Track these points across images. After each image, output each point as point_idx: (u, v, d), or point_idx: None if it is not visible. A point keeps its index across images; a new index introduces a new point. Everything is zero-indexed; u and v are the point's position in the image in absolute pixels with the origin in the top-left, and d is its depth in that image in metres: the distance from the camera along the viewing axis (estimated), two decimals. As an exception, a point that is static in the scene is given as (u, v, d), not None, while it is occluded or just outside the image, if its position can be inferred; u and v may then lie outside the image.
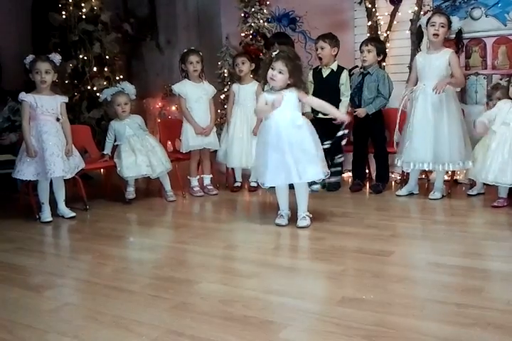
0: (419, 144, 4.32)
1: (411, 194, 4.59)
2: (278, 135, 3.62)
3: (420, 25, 4.54)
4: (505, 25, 4.92)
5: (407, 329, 2.12)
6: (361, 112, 4.72)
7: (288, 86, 3.65)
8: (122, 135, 4.74)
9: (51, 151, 4.09)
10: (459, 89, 4.61)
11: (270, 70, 3.61)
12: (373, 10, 5.40)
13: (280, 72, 3.59)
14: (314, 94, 4.89)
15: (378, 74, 4.74)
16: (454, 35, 4.46)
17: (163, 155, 4.77)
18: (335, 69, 4.95)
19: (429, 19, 4.34)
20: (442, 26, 4.27)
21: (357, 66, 5.15)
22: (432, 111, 4.27)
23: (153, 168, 4.65)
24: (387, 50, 5.11)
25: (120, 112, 4.78)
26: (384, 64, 5.20)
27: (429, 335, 2.06)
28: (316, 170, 3.62)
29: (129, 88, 4.88)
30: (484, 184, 4.40)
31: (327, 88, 4.88)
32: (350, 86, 4.92)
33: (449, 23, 4.31)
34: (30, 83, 4.28)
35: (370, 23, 5.43)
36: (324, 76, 4.96)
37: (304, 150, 3.60)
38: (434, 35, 4.28)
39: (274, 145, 3.62)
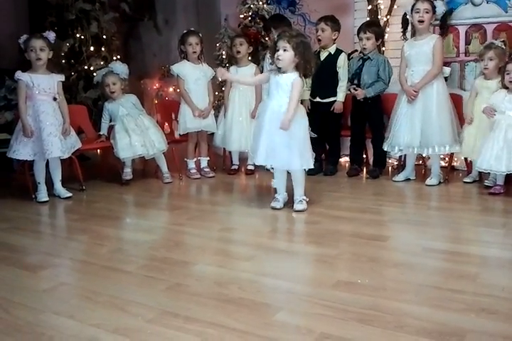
0: (406, 128, 4.36)
1: (407, 179, 4.60)
2: (263, 117, 3.66)
3: (406, 13, 4.52)
4: (506, 12, 4.89)
5: (402, 313, 2.13)
6: (360, 93, 4.70)
7: (296, 68, 3.62)
8: (116, 115, 4.71)
9: (48, 131, 4.07)
10: (447, 74, 4.61)
11: (277, 52, 3.59)
12: (374, -7, 5.35)
13: (285, 50, 3.56)
14: (312, 78, 4.88)
15: (378, 59, 4.70)
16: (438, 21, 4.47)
17: (157, 136, 4.72)
18: (332, 53, 4.90)
19: (413, 6, 4.34)
20: (427, 12, 4.28)
21: (356, 50, 5.11)
22: (421, 96, 4.30)
23: (147, 148, 4.64)
24: (386, 35, 5.09)
25: (109, 93, 4.74)
26: (383, 49, 5.17)
27: (423, 320, 2.07)
28: (291, 159, 3.61)
29: (119, 67, 4.81)
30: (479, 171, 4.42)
31: (325, 71, 4.84)
32: (349, 70, 4.89)
33: (434, 8, 4.31)
34: (26, 62, 4.23)
35: (370, 7, 5.38)
36: (322, 59, 4.92)
37: (284, 138, 3.57)
38: (419, 21, 4.29)
39: (262, 127, 3.65)
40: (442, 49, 4.40)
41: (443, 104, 4.31)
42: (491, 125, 4.05)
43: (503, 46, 4.29)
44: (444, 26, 4.59)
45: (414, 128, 4.33)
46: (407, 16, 4.46)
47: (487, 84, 4.27)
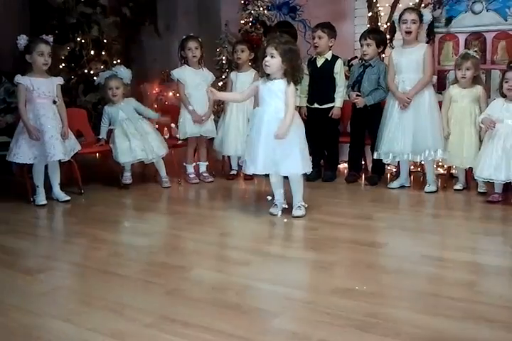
0: (398, 135, 4.37)
1: (402, 187, 4.60)
2: (259, 124, 3.62)
3: (394, 21, 4.54)
4: (506, 20, 4.92)
5: (399, 320, 2.13)
6: (360, 102, 4.71)
7: (284, 75, 3.62)
8: (116, 119, 4.71)
9: (50, 134, 4.07)
10: (435, 81, 4.68)
11: (264, 58, 3.58)
12: (374, 0, 5.36)
13: (272, 56, 3.54)
14: (310, 85, 4.90)
15: (379, 66, 4.70)
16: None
17: (156, 141, 4.71)
18: (329, 59, 4.90)
19: (400, 16, 4.37)
20: (414, 22, 4.30)
21: (356, 57, 5.13)
22: (412, 103, 4.31)
23: (147, 153, 4.64)
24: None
25: (111, 96, 4.74)
26: (383, 55, 5.18)
27: (421, 327, 2.07)
28: (293, 164, 3.59)
29: (123, 72, 4.82)
30: (466, 179, 4.47)
31: (322, 78, 4.86)
32: (346, 75, 4.89)
33: (421, 17, 4.33)
34: (23, 64, 4.21)
35: (370, 13, 5.40)
36: (319, 66, 4.93)
37: (281, 144, 3.55)
38: (406, 32, 4.32)
39: (257, 134, 3.61)
40: (432, 57, 4.45)
41: (434, 111, 4.34)
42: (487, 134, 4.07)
43: (478, 56, 4.35)
44: (431, 34, 4.63)
45: (406, 135, 4.34)
46: (395, 25, 4.48)
47: (463, 93, 4.33)
